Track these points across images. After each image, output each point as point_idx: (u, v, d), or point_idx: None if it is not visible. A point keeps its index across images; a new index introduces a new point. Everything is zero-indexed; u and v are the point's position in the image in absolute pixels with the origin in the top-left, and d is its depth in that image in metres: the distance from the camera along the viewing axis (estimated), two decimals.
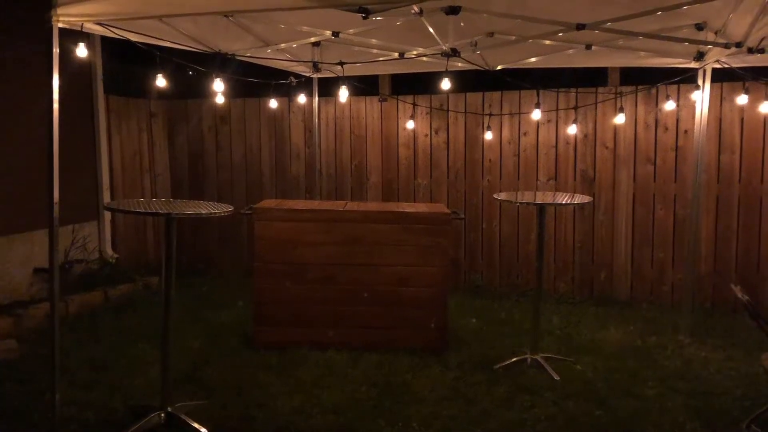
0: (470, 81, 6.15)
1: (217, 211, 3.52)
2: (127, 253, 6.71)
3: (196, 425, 3.41)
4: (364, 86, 6.34)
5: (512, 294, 6.28)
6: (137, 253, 6.85)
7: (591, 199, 4.57)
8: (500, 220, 6.37)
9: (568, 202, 4.65)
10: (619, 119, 5.68)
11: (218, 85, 5.22)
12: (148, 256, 6.96)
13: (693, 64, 4.95)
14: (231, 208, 3.61)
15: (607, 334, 5.28)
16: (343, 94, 5.76)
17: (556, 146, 6.17)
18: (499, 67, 5.49)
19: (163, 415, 3.47)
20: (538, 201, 4.54)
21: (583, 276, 6.22)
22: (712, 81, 4.86)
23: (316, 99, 6.24)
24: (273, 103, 6.31)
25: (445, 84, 4.78)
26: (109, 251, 6.44)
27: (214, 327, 5.24)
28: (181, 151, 7.19)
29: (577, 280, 6.24)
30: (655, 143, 5.91)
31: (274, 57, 5.49)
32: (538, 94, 5.72)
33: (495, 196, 4.63)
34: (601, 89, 6.01)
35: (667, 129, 5.86)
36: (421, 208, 4.97)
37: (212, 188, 7.09)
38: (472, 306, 5.96)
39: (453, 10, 3.33)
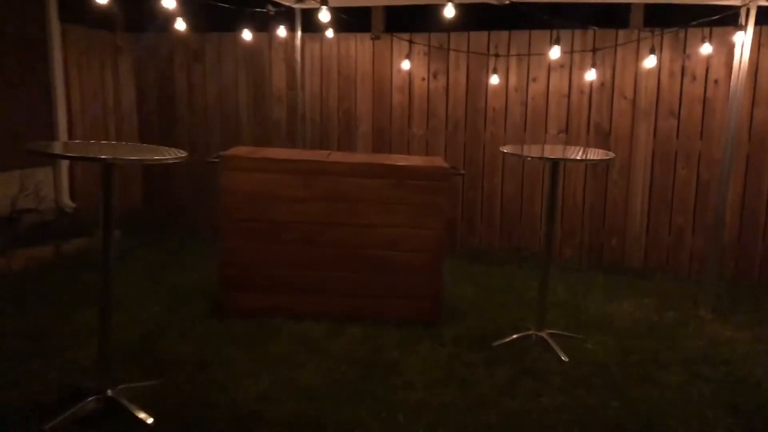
0: (475, 18, 5.51)
1: (166, 157, 2.94)
2: (89, 202, 6.13)
3: (139, 414, 2.90)
4: (354, 20, 5.70)
5: (513, 259, 5.76)
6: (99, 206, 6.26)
7: (613, 155, 4.01)
8: (503, 177, 5.82)
9: (587, 157, 4.09)
10: (650, 62, 5.08)
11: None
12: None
13: (734, 1, 4.34)
14: (184, 154, 3.03)
15: (620, 307, 4.80)
16: (330, 29, 5.14)
17: (569, 95, 5.58)
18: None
19: (101, 399, 2.95)
20: (552, 156, 3.97)
21: (592, 241, 5.71)
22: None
23: (299, 34, 5.59)
24: (250, 36, 5.62)
25: (449, 11, 4.14)
26: (67, 200, 5.86)
27: (179, 290, 4.70)
28: (150, 91, 6.54)
29: (586, 245, 5.73)
30: (681, 94, 5.33)
31: None
32: (553, 32, 5.09)
33: (501, 149, 4.06)
34: (622, 31, 5.39)
35: (695, 78, 5.26)
36: (416, 161, 4.40)
37: (184, 133, 6.47)
38: (470, 272, 5.45)
39: None
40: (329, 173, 4.13)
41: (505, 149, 4.06)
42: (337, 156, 4.39)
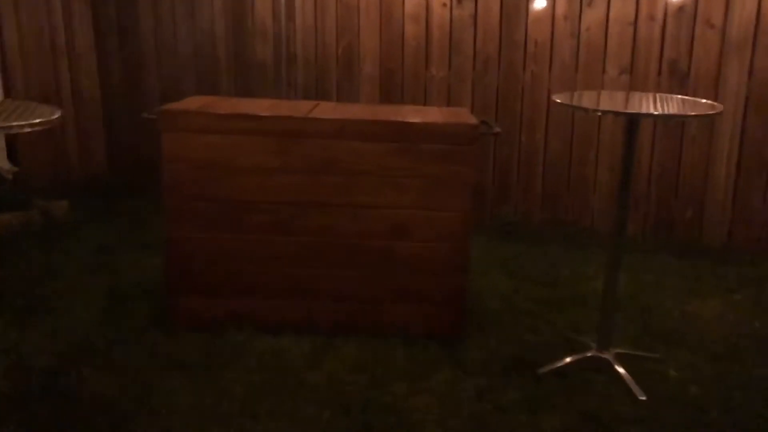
0: None
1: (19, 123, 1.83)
2: (37, 167, 5.09)
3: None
4: None
5: (558, 236, 4.61)
6: (54, 168, 5.21)
7: (720, 107, 2.80)
8: (547, 130, 4.62)
9: (679, 111, 2.87)
10: None
11: None
12: (69, 173, 5.32)
13: None
14: (55, 116, 1.92)
15: (704, 307, 3.66)
16: None
17: (635, 24, 4.31)
18: None
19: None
20: (631, 109, 2.79)
21: (661, 214, 4.53)
22: None
23: None
24: None
25: None
26: (4, 163, 4.81)
27: (123, 285, 3.66)
28: (109, 26, 5.38)
29: (652, 219, 4.55)
30: None
31: None
32: None
33: (554, 98, 2.88)
34: None
35: None
36: (433, 115, 3.23)
37: (152, 80, 5.32)
38: (501, 254, 4.32)
39: None
40: (312, 134, 2.99)
41: (558, 98, 2.88)
42: (324, 109, 3.23)
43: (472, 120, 3.08)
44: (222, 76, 5.17)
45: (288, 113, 3.05)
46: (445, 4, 4.61)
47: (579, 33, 4.42)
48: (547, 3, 4.43)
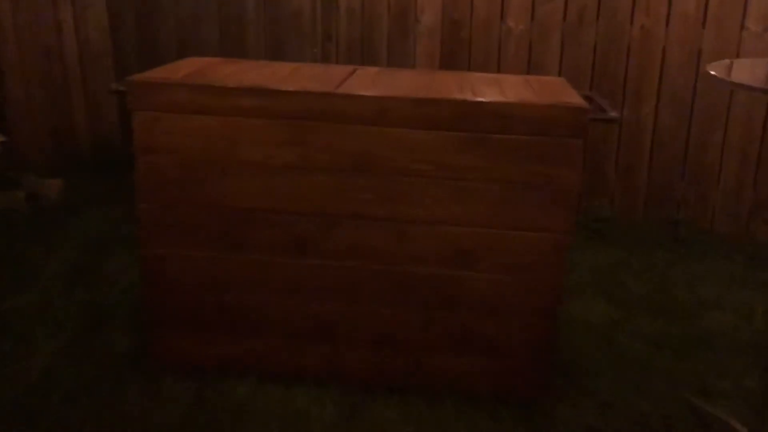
0: None
1: None
2: (33, 136, 4.36)
3: None
4: None
5: (665, 240, 3.62)
6: (54, 138, 4.46)
7: None
8: (658, 103, 3.59)
9: None
10: None
11: None
12: (74, 143, 4.56)
13: None
14: None
15: None
16: None
17: None
18: None
19: None
20: None
21: None
22: None
23: None
24: None
25: None
26: None
27: (107, 297, 2.89)
28: None
29: None
30: None
31: None
32: None
33: (709, 68, 1.90)
34: None
35: None
36: (517, 89, 2.27)
37: (167, 30, 4.47)
38: (593, 263, 3.36)
39: None
40: (341, 118, 2.09)
41: (714, 71, 1.89)
42: (361, 80, 2.32)
43: (577, 99, 2.12)
44: (249, 27, 4.27)
45: (309, 86, 2.16)
46: None
47: None
48: None
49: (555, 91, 2.27)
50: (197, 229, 2.23)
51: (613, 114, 2.10)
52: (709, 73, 1.88)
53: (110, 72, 4.58)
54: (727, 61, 2.31)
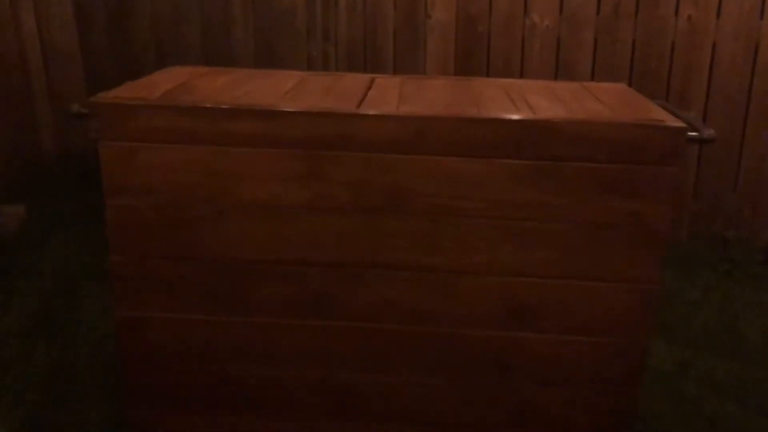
0: None
1: None
2: None
3: None
4: None
5: (715, 261, 3.20)
6: (14, 154, 3.94)
7: None
8: (706, 107, 3.16)
9: None
10: None
11: None
12: (38, 160, 4.05)
13: None
14: None
15: None
16: None
17: None
18: None
19: None
20: None
21: None
22: None
23: None
24: None
25: None
26: None
27: (78, 353, 2.41)
28: None
29: None
30: None
31: None
32: None
33: None
34: None
35: None
36: (578, 99, 1.83)
37: (144, 31, 3.98)
38: (710, 304, 2.90)
39: None
40: (366, 144, 1.64)
41: None
42: (384, 93, 1.86)
43: (670, 117, 1.67)
44: (236, 26, 3.79)
45: (324, 105, 1.70)
46: None
47: None
48: None
49: (628, 102, 1.82)
50: (185, 285, 1.77)
51: (710, 133, 1.66)
52: None
53: (80, 81, 4.08)
54: None
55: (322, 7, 3.57)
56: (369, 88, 1.91)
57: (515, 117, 1.62)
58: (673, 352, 2.54)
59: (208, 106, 1.65)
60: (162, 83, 1.86)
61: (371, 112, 1.65)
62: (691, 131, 1.63)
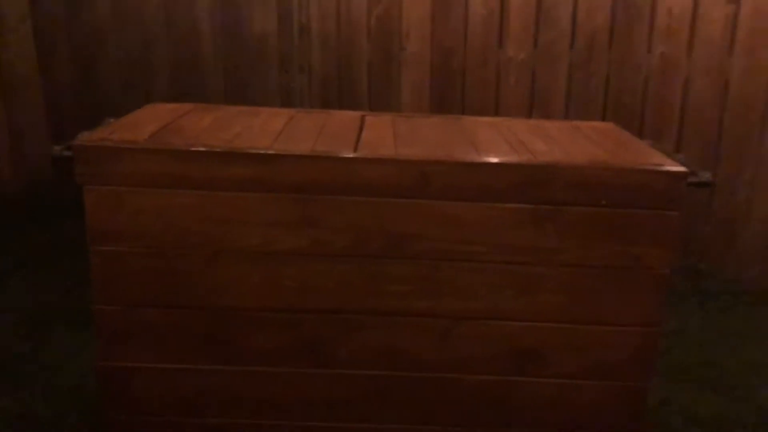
0: None
1: None
2: None
3: None
4: None
5: (687, 291, 3.25)
6: None
7: None
8: (679, 142, 3.22)
9: None
10: None
11: None
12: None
13: None
14: None
15: None
16: None
17: None
18: None
19: None
20: None
21: None
22: None
23: None
24: None
25: None
26: None
27: (40, 412, 2.28)
28: None
29: None
30: None
31: None
32: None
33: None
34: None
35: None
36: (576, 141, 1.83)
37: (108, 58, 3.87)
38: (686, 336, 2.89)
39: None
40: (366, 188, 1.60)
41: None
42: (379, 133, 1.83)
43: (665, 161, 1.68)
44: (206, 58, 3.72)
45: (320, 147, 1.66)
46: None
47: None
48: None
49: (624, 144, 1.83)
50: (174, 334, 1.69)
51: (708, 176, 1.68)
52: None
53: (39, 108, 3.94)
54: None
55: (295, 37, 3.53)
56: (361, 128, 1.88)
57: (517, 162, 1.61)
58: (654, 387, 2.55)
59: (202, 150, 1.59)
60: (146, 123, 1.79)
61: (371, 155, 1.61)
62: (699, 179, 1.65)
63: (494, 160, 1.61)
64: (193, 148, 1.59)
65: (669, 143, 3.21)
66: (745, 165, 3.17)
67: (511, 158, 1.62)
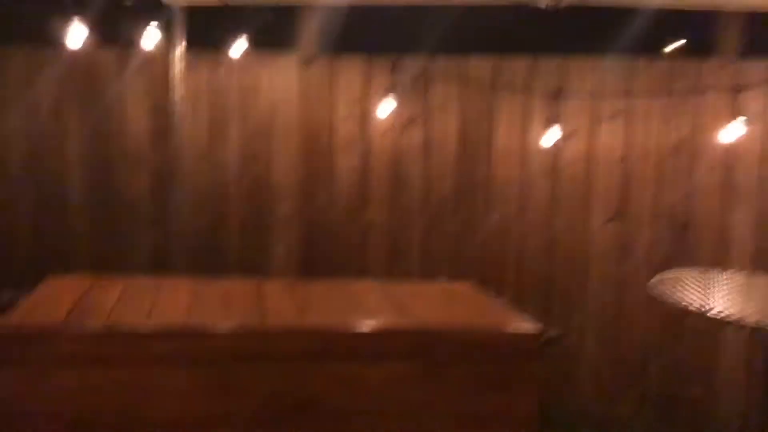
0: (472, 37, 3.44)
1: None
2: None
3: None
4: (270, 35, 3.48)
5: None
6: None
7: None
8: (517, 289, 3.69)
9: None
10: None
11: None
12: None
13: None
14: None
15: None
16: (239, 43, 2.86)
17: (626, 160, 3.59)
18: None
19: None
20: None
21: (662, 391, 3.71)
22: None
23: (178, 51, 3.15)
24: (80, 44, 3.09)
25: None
26: None
27: None
28: None
29: (651, 398, 3.71)
30: None
31: None
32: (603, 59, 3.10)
33: (652, 289, 1.93)
34: (708, 64, 3.52)
35: None
36: (447, 304, 2.15)
37: None
38: None
39: None
40: (276, 356, 1.78)
41: (662, 291, 1.93)
42: (279, 303, 2.03)
43: (525, 321, 2.03)
44: (74, 218, 3.73)
45: (233, 321, 1.83)
46: (387, 131, 3.64)
47: (557, 169, 3.62)
48: (516, 132, 3.61)
49: (491, 307, 2.17)
50: None
51: (557, 333, 2.04)
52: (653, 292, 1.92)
53: None
54: (664, 276, 2.39)
55: (166, 199, 3.68)
56: (261, 296, 2.07)
57: (406, 328, 1.88)
58: None
59: (123, 331, 1.70)
60: (57, 302, 1.87)
61: (281, 326, 1.81)
62: (545, 332, 2.00)
63: (388, 327, 1.87)
64: (115, 329, 1.70)
65: (509, 292, 3.67)
66: (572, 310, 3.68)
67: (402, 324, 1.89)
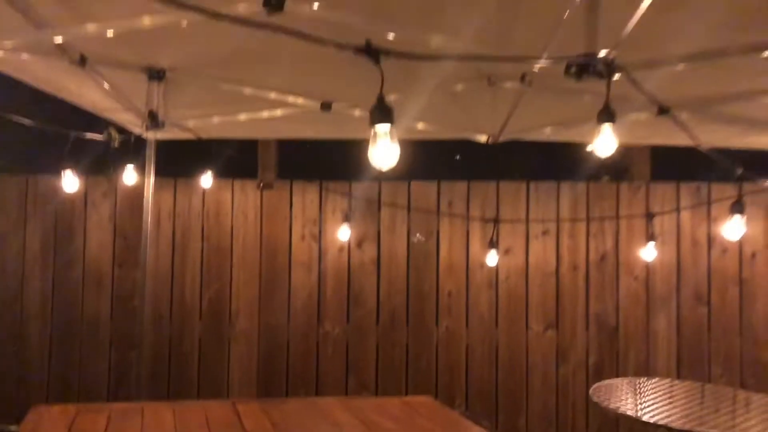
0: (420, 163, 3.80)
1: None
2: None
3: None
4: (233, 163, 3.78)
5: None
6: None
7: None
8: (467, 396, 3.92)
9: None
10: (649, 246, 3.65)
11: None
12: None
13: None
14: None
15: None
16: (206, 176, 3.14)
17: (557, 273, 3.95)
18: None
19: None
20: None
21: None
22: None
23: (150, 180, 3.38)
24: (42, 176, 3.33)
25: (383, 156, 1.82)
26: None
27: None
28: None
29: None
30: (709, 273, 3.95)
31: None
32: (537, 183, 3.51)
33: (596, 398, 2.20)
34: (626, 184, 3.98)
35: (726, 251, 3.93)
36: (412, 418, 2.35)
37: None
38: None
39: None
40: None
41: (596, 395, 2.20)
42: (261, 426, 2.21)
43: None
44: (32, 343, 3.81)
45: None
46: (342, 248, 3.92)
47: (497, 283, 3.94)
48: (460, 249, 3.94)
49: (448, 418, 2.39)
50: None
51: None
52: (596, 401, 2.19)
53: None
54: (608, 384, 2.67)
55: (130, 320, 3.80)
56: (240, 417, 2.24)
57: None
58: None
59: None
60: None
61: None
62: None
63: None
64: None
65: (460, 398, 3.89)
66: (520, 412, 3.92)
67: None
